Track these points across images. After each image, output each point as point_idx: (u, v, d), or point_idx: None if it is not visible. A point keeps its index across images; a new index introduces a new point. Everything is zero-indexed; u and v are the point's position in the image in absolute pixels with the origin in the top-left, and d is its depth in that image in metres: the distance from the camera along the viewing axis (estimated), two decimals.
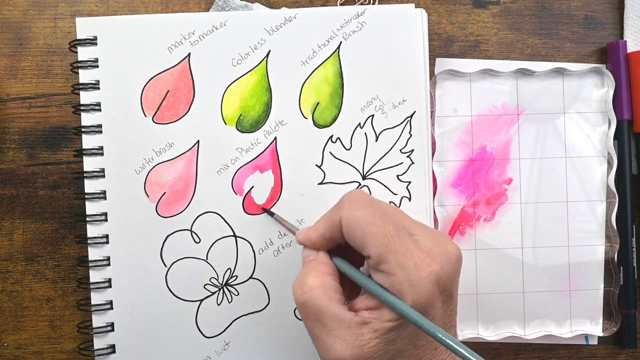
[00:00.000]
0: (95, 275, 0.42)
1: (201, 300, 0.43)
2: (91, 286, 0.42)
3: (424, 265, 0.31)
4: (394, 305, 0.31)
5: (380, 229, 0.32)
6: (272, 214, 0.42)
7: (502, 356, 0.46)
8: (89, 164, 0.42)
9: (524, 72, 0.45)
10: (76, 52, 0.43)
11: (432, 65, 0.45)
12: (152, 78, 0.43)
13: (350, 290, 0.37)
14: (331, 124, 0.43)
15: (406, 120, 0.43)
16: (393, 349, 0.32)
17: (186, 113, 0.43)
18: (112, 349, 0.42)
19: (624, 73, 0.45)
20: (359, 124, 0.43)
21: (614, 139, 0.45)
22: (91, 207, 0.42)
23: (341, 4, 0.46)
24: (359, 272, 0.35)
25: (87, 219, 0.42)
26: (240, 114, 0.43)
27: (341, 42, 0.43)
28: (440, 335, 0.30)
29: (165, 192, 0.43)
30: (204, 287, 0.43)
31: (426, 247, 0.32)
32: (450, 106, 0.45)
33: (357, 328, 0.32)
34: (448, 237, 0.37)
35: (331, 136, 0.43)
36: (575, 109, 0.46)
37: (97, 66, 0.43)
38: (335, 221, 0.34)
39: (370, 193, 0.43)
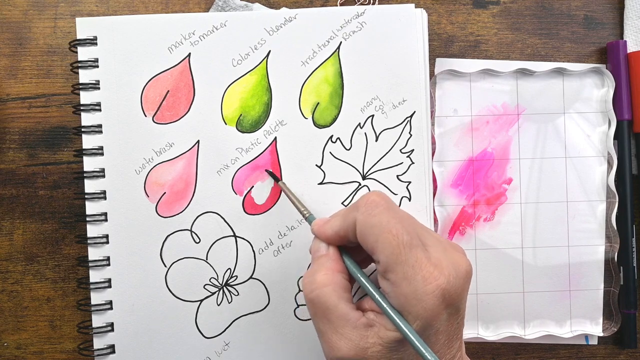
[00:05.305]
0: (95, 275, 0.42)
1: (201, 301, 0.43)
2: (91, 286, 0.42)
3: (432, 279, 0.31)
4: (393, 322, 0.31)
5: (394, 239, 0.32)
6: (277, 179, 0.40)
7: (502, 356, 0.46)
8: (89, 164, 0.42)
9: (524, 72, 0.45)
10: (76, 52, 0.43)
11: (432, 65, 0.45)
12: (152, 78, 0.43)
13: (360, 286, 0.37)
14: (331, 124, 0.43)
15: (406, 120, 0.43)
16: (396, 357, 0.32)
17: (186, 113, 0.43)
18: (111, 349, 0.42)
19: (624, 73, 0.45)
20: (359, 124, 0.43)
21: (614, 139, 0.45)
22: (91, 207, 0.42)
23: (341, 4, 0.46)
24: (367, 279, 0.34)
25: (87, 219, 0.42)
26: (240, 114, 0.43)
27: (341, 42, 0.43)
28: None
29: (165, 192, 0.43)
30: (204, 287, 0.43)
31: (436, 259, 0.32)
32: (450, 106, 0.45)
33: (363, 330, 0.32)
34: (460, 250, 0.36)
35: (331, 136, 0.43)
36: (575, 109, 0.46)
37: (97, 66, 0.43)
38: (350, 222, 0.34)
39: None
